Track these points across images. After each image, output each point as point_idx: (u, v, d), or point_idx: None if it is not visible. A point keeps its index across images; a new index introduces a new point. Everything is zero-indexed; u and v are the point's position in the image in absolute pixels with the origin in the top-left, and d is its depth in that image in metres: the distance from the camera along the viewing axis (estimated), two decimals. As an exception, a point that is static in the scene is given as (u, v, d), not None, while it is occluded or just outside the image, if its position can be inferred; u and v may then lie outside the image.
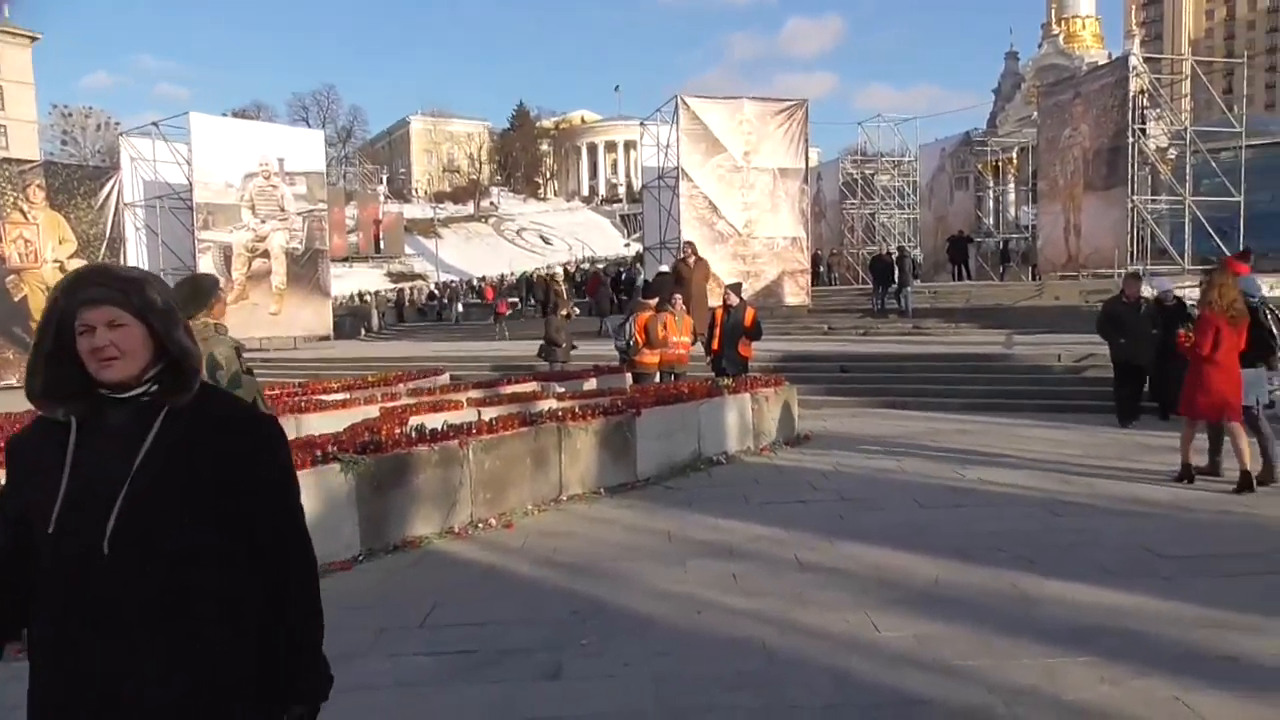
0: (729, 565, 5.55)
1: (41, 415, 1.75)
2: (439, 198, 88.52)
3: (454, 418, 8.05)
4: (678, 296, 11.75)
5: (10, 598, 1.73)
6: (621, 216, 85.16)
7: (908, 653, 4.11)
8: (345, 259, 61.18)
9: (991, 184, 39.45)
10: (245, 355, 4.89)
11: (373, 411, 8.71)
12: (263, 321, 23.51)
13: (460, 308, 38.17)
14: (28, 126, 66.66)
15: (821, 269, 32.63)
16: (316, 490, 5.69)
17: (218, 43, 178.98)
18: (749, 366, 11.35)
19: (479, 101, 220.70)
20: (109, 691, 1.64)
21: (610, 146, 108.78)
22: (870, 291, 24.12)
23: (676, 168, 22.41)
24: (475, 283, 51.69)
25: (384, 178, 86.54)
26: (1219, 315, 7.17)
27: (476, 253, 71.92)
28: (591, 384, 11.78)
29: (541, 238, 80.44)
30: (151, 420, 1.69)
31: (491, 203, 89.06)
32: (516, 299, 36.16)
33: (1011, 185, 41.19)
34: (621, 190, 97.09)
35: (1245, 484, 7.05)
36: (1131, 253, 22.28)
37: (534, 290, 33.34)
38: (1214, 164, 23.89)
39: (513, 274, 55.21)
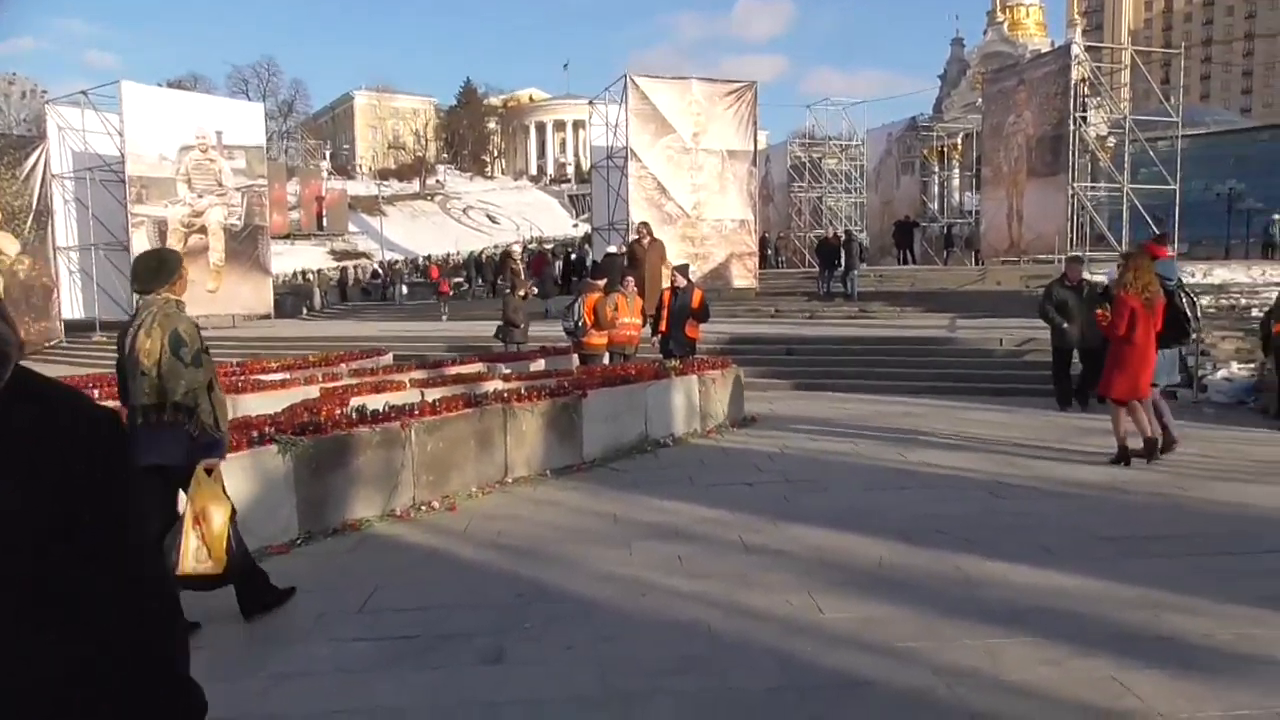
0: (675, 547, 5.52)
1: None
2: (384, 175, 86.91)
3: (397, 398, 7.91)
4: (630, 278, 11.66)
5: None
6: (570, 197, 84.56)
7: (851, 634, 4.12)
8: (287, 236, 59.80)
9: (937, 169, 39.94)
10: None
11: (313, 392, 8.52)
12: (200, 299, 22.84)
13: (404, 288, 37.22)
14: (-53, 94, 63.96)
15: (769, 252, 32.77)
16: (253, 472, 5.57)
17: (153, 9, 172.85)
18: (696, 348, 11.33)
19: (425, 78, 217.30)
20: None
21: (559, 125, 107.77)
22: (817, 274, 24.29)
23: (625, 148, 22.26)
24: (420, 262, 51.00)
25: (327, 154, 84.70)
26: (1134, 297, 7.38)
27: (422, 231, 70.86)
28: (539, 365, 11.69)
29: (489, 217, 79.53)
30: None
31: (438, 181, 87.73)
32: (461, 279, 35.56)
33: (956, 171, 41.73)
34: (570, 170, 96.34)
35: (1150, 450, 7.50)
36: (1071, 239, 22.72)
37: (483, 270, 32.78)
38: (1151, 153, 24.45)
39: (459, 253, 54.56)
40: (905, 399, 11.64)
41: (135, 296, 4.49)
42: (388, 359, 12.47)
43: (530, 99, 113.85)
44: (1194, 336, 8.58)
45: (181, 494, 4.36)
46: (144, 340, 4.24)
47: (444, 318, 25.80)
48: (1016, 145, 25.17)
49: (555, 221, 77.27)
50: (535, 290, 15.36)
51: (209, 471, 4.27)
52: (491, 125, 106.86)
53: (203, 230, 23.36)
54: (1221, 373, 11.10)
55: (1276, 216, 28.33)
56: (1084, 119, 24.47)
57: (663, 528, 5.99)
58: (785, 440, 9.07)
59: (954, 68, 55.01)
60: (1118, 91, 28.19)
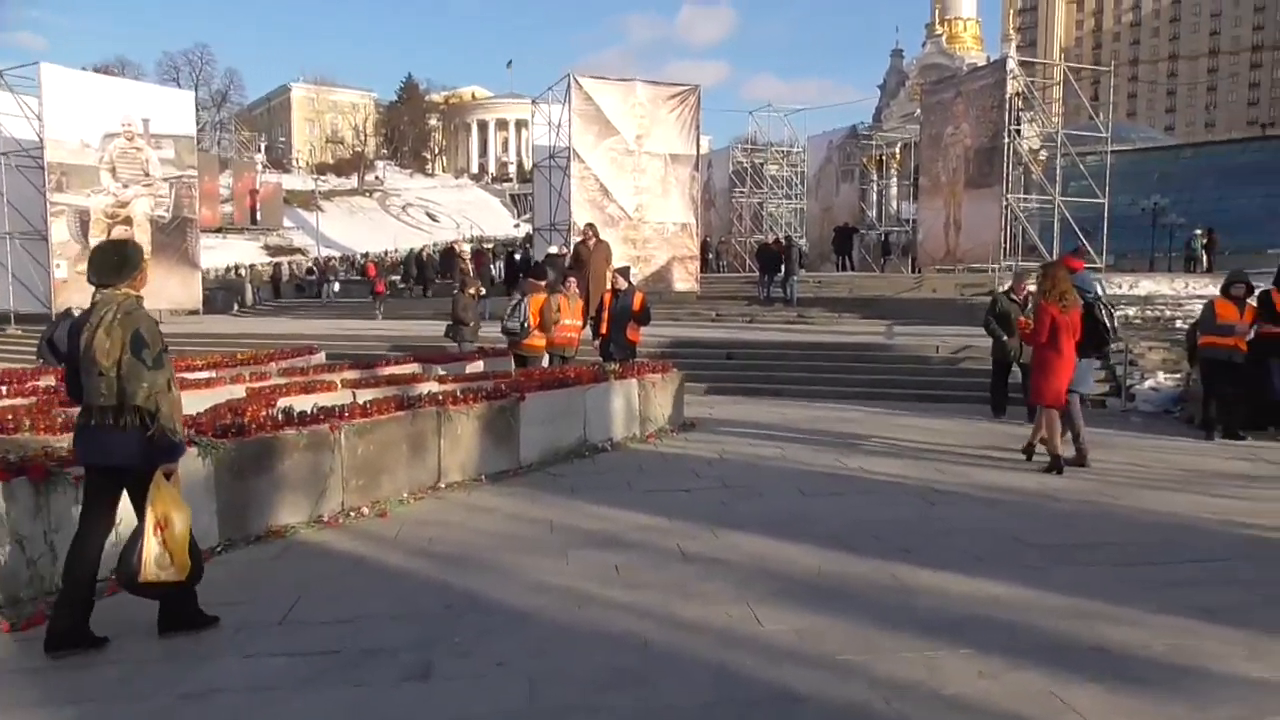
0: (611, 556, 5.40)
1: None
2: (321, 169, 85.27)
3: (327, 400, 7.66)
4: (571, 279, 11.51)
5: None
6: (512, 196, 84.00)
7: (789, 647, 4.04)
8: (218, 230, 58.31)
9: (875, 178, 40.53)
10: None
11: (239, 392, 8.22)
12: (124, 293, 22.07)
13: (336, 286, 35.96)
14: None
15: (710, 256, 32.88)
16: (169, 476, 5.28)
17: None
18: (637, 352, 11.24)
19: (365, 72, 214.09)
20: None
21: (501, 124, 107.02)
22: (757, 279, 24.41)
23: (568, 148, 22.11)
24: (358, 260, 50.05)
25: (262, 146, 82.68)
26: (1052, 305, 7.71)
27: (360, 228, 69.71)
28: (478, 366, 11.47)
29: (428, 214, 78.57)
30: None
31: (377, 177, 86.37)
32: (396, 277, 34.77)
33: (894, 179, 42.44)
34: (512, 169, 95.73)
35: (1027, 451, 8.10)
36: (1004, 249, 23.19)
37: (424, 268, 32.07)
38: (1081, 167, 25.09)
39: (397, 250, 53.75)
40: (843, 404, 11.69)
41: (92, 290, 4.24)
42: (319, 358, 12.15)
43: (473, 96, 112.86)
44: (1111, 347, 8.84)
45: (128, 497, 4.19)
46: (103, 339, 4.02)
47: (379, 315, 25.37)
48: (954, 156, 25.61)
49: (497, 221, 76.67)
50: (484, 290, 15.06)
51: (168, 476, 4.11)
52: (433, 122, 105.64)
53: (128, 221, 22.57)
54: (1149, 382, 11.38)
55: (1198, 231, 29.30)
56: (1018, 132, 25.01)
57: (600, 535, 5.87)
58: (724, 445, 9.02)
59: (893, 78, 56.07)
60: (1050, 106, 28.93)
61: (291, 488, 6.09)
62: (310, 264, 48.35)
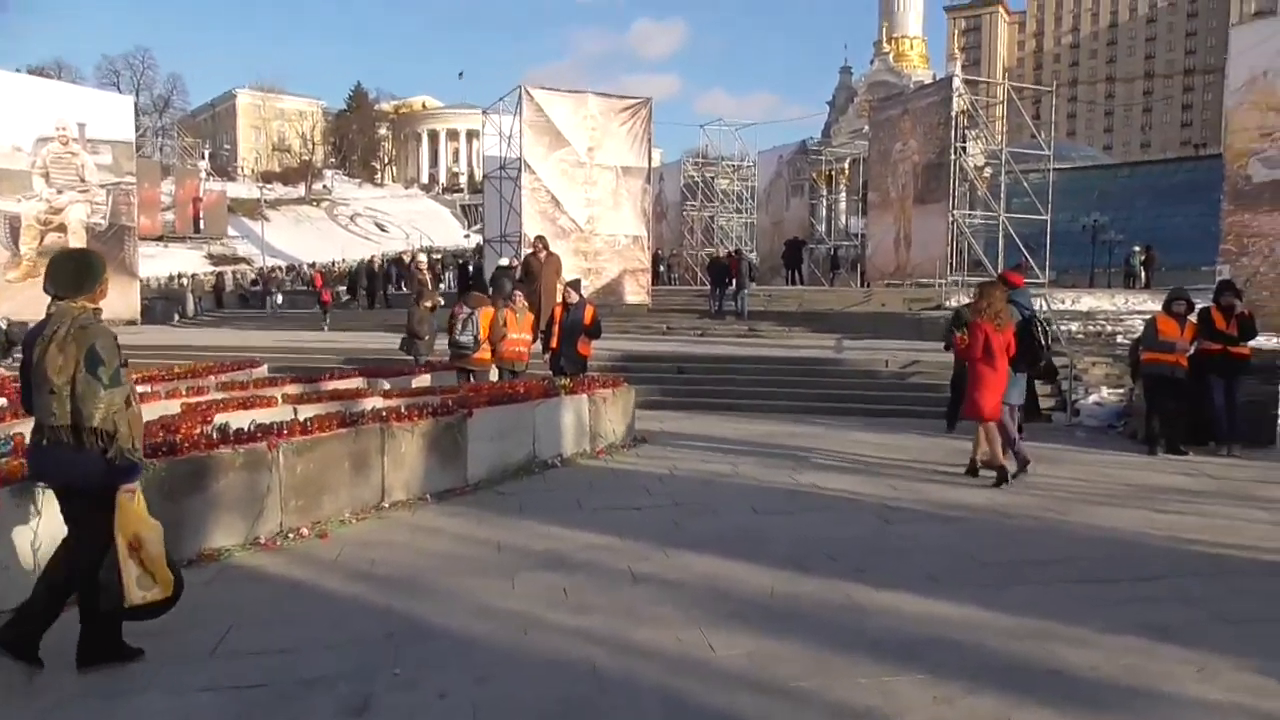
0: (560, 578, 5.26)
1: None
2: (267, 178, 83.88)
3: (266, 415, 7.41)
4: (518, 293, 11.35)
5: None
6: (462, 206, 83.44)
7: (741, 672, 3.94)
8: (160, 238, 56.99)
9: (825, 192, 40.97)
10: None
11: (174, 407, 7.92)
12: (57, 302, 21.36)
13: (279, 298, 34.54)
14: None
15: (662, 268, 32.90)
16: (94, 499, 5.03)
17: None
18: (588, 366, 11.12)
19: (313, 80, 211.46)
20: None
21: (452, 134, 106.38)
22: (708, 293, 24.43)
23: (519, 159, 21.94)
24: (305, 270, 49.13)
25: (206, 153, 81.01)
26: (987, 322, 7.90)
27: (306, 237, 68.63)
28: (425, 380, 11.23)
29: (377, 225, 77.68)
30: None
31: (324, 186, 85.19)
32: (343, 288, 33.97)
33: (843, 194, 42.94)
34: (463, 180, 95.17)
35: (971, 470, 8.06)
36: (951, 264, 23.51)
37: (375, 279, 31.43)
38: (1025, 184, 25.57)
39: (344, 261, 52.95)
40: (794, 418, 11.68)
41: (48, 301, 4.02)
42: (261, 371, 11.80)
43: (423, 106, 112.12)
44: (1049, 364, 8.99)
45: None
46: (55, 355, 3.81)
47: (325, 328, 24.87)
48: (903, 172, 25.95)
49: (447, 231, 76.07)
50: (441, 301, 14.79)
51: (130, 495, 3.94)
52: (382, 131, 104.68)
53: (61, 229, 21.86)
54: (1093, 398, 11.54)
55: (1137, 248, 30.06)
56: (964, 149, 25.44)
57: (548, 556, 5.72)
58: (675, 461, 8.92)
59: (842, 95, 56.83)
60: (994, 124, 29.47)
61: (226, 509, 5.85)
62: (255, 274, 47.34)
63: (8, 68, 25.21)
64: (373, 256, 48.04)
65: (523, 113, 21.81)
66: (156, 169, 58.37)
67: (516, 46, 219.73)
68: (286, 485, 6.20)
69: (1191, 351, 9.45)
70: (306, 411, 7.79)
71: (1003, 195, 25.33)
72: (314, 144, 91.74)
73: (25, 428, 4.78)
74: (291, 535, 6.10)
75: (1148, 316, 11.02)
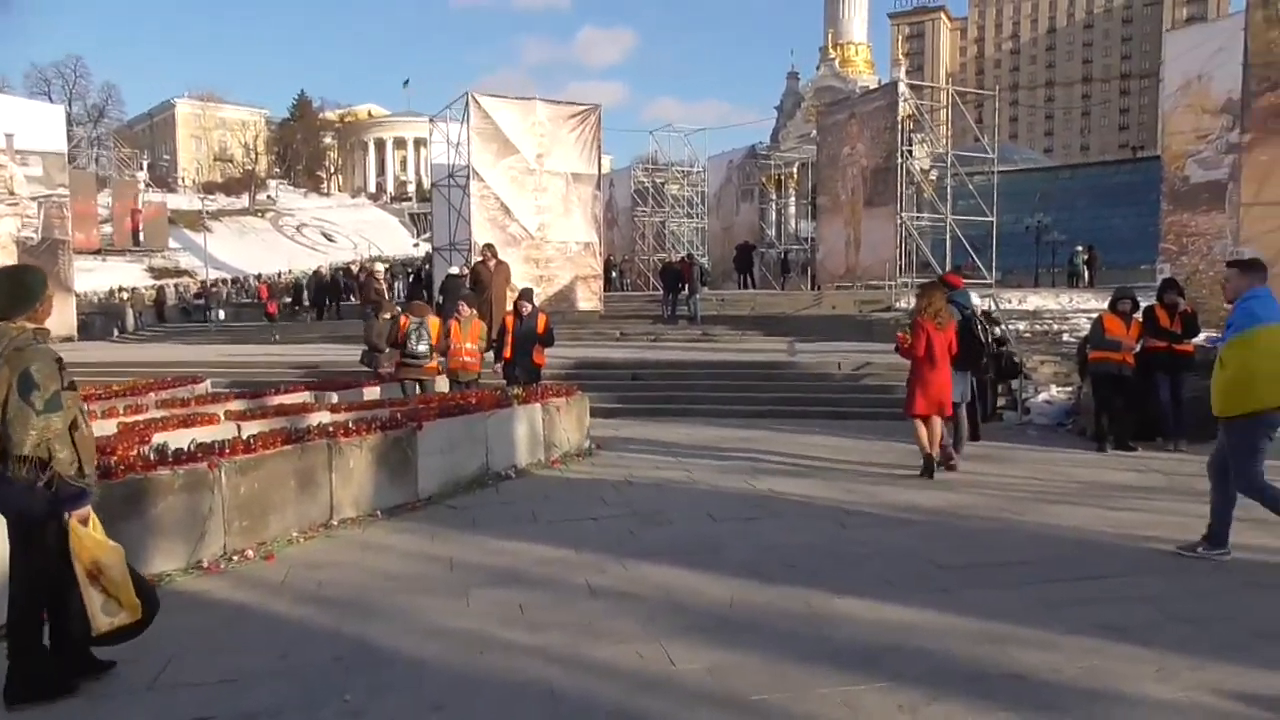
0: (515, 594, 5.13)
1: None
2: (209, 188, 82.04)
3: (208, 434, 7.17)
4: (463, 304, 11.19)
5: None
6: (411, 215, 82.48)
7: (703, 688, 3.85)
8: (98, 251, 55.48)
9: (774, 197, 41.21)
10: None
11: (110, 427, 7.61)
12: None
13: (221, 314, 33.13)
14: None
15: (614, 275, 32.81)
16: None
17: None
18: (541, 375, 11.00)
19: (255, 88, 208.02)
20: None
21: (399, 143, 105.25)
22: (661, 298, 24.41)
23: (467, 166, 21.72)
24: (250, 283, 48.12)
25: (144, 164, 79.09)
26: (928, 321, 8.16)
27: (251, 249, 67.28)
28: (375, 393, 11.02)
29: (324, 235, 76.46)
30: None
31: (269, 196, 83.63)
32: (289, 299, 33.15)
33: (793, 199, 43.22)
34: (411, 188, 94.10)
35: (928, 469, 8.10)
36: (900, 266, 23.75)
37: (324, 290, 30.82)
38: (970, 186, 25.94)
39: (290, 271, 52.02)
40: (749, 423, 11.65)
41: None
42: (204, 387, 11.49)
43: (369, 115, 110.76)
44: (1005, 363, 9.15)
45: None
46: None
47: (275, 338, 24.50)
48: (852, 175, 26.18)
49: (396, 240, 75.16)
50: (399, 310, 14.54)
51: (84, 522, 3.79)
52: (328, 140, 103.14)
53: (-9, 244, 21.13)
54: (1042, 396, 11.69)
55: (1080, 248, 30.65)
56: (910, 153, 25.75)
57: (503, 572, 5.59)
58: (631, 469, 8.83)
59: (790, 100, 57.25)
60: (939, 128, 29.91)
61: (166, 532, 5.63)
62: (197, 286, 46.23)
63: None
64: (319, 267, 47.31)
65: (470, 120, 21.60)
66: (92, 181, 56.76)
67: (462, 55, 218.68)
68: (229, 505, 5.99)
69: (1137, 349, 9.60)
70: (251, 428, 7.57)
71: (949, 197, 25.67)
72: (257, 154, 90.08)
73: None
74: (236, 557, 5.89)
75: (1093, 315, 11.21)
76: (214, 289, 40.32)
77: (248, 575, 5.65)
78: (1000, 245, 25.62)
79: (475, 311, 11.48)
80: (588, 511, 7.16)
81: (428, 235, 41.07)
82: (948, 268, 24.20)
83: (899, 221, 23.75)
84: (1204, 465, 5.76)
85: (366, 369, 12.41)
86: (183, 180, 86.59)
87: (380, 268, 33.24)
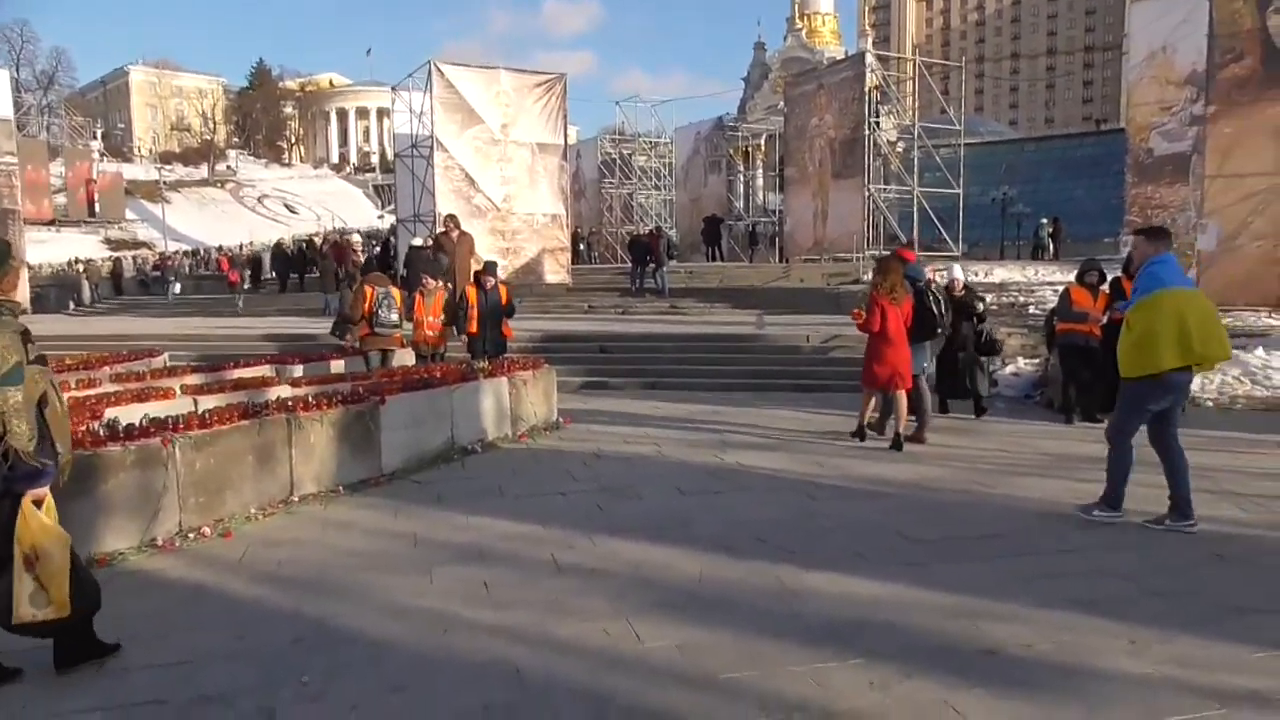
0: (480, 571, 5.02)
1: None
2: (166, 158, 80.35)
3: (164, 409, 6.95)
4: (428, 277, 11.00)
5: None
6: (375, 187, 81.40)
7: (671, 666, 3.78)
8: (51, 222, 54.15)
9: (742, 169, 41.05)
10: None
11: (60, 403, 7.37)
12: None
13: (178, 288, 31.41)
14: None
15: (581, 247, 32.55)
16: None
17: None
18: (508, 347, 10.85)
19: (211, 56, 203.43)
20: None
21: (362, 113, 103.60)
22: (629, 271, 24.24)
23: (431, 137, 21.33)
24: (212, 254, 47.11)
25: (98, 132, 77.14)
26: (883, 296, 8.31)
27: (211, 220, 66.10)
28: (339, 366, 10.82)
29: (286, 206, 75.32)
30: None
31: (229, 167, 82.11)
32: (249, 272, 32.28)
33: (760, 170, 43.08)
34: (375, 159, 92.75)
35: (896, 444, 8.20)
36: (868, 238, 23.76)
37: (287, 263, 30.14)
38: (937, 158, 25.97)
39: (252, 244, 51.07)
40: (718, 396, 11.58)
41: None
42: (160, 361, 11.21)
43: (331, 84, 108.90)
44: (941, 332, 9.19)
45: None
46: None
47: (239, 307, 24.13)
48: (820, 147, 26.09)
49: (360, 212, 74.19)
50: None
51: (38, 504, 3.63)
52: (288, 110, 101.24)
53: (-64, 214, 20.45)
54: (1010, 368, 11.72)
55: (1045, 221, 30.82)
56: (877, 124, 25.67)
57: (468, 549, 5.47)
58: (600, 443, 8.73)
59: (756, 71, 57.02)
60: (905, 100, 29.85)
61: (117, 510, 5.45)
62: (156, 258, 45.18)
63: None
64: (280, 239, 46.48)
65: (433, 89, 21.18)
66: (43, 149, 55.20)
67: (425, 24, 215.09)
68: (185, 482, 5.82)
69: (1104, 321, 9.62)
70: (208, 403, 7.39)
71: (915, 170, 25.68)
72: (215, 123, 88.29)
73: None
74: (192, 535, 5.73)
75: (1059, 288, 11.21)
76: (170, 261, 39.22)
77: (204, 553, 5.49)
78: (966, 217, 25.71)
79: (440, 284, 11.27)
80: (555, 486, 7.05)
81: (392, 207, 40.46)
82: (915, 240, 24.29)
83: (866, 194, 23.72)
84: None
85: (335, 341, 12.21)
86: (139, 150, 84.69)
87: (357, 238, 32.47)
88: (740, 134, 39.68)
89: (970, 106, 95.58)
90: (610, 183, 36.67)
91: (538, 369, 9.70)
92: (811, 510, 6.26)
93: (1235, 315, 14.42)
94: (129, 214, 62.85)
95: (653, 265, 22.29)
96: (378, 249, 29.36)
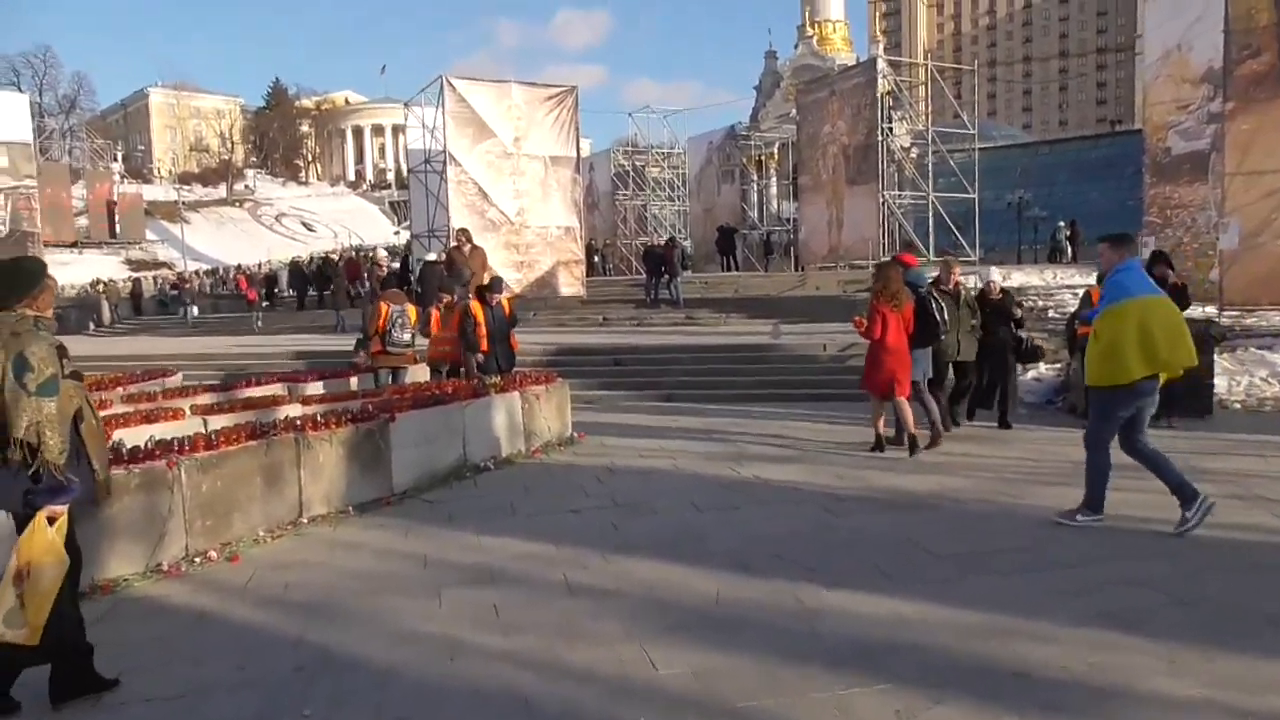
0: (490, 594, 4.89)
1: None
2: (185, 179, 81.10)
3: (172, 430, 6.88)
4: (443, 294, 10.93)
5: None
6: (391, 203, 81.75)
7: (687, 694, 3.62)
8: (74, 244, 54.66)
9: (755, 178, 40.88)
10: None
11: (67, 425, 7.31)
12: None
13: (195, 310, 30.46)
14: None
15: (596, 259, 32.50)
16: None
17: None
18: (516, 360, 10.76)
19: (229, 77, 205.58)
20: None
21: (377, 130, 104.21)
22: (644, 282, 24.12)
23: (444, 151, 21.33)
24: (230, 274, 47.32)
25: (119, 154, 77.90)
26: (884, 303, 8.22)
27: (230, 239, 66.57)
28: (353, 383, 10.76)
29: (304, 224, 75.76)
30: None
31: (246, 186, 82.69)
32: (263, 290, 32.25)
33: (774, 179, 42.88)
34: (390, 176, 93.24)
35: (911, 446, 8.14)
36: (883, 244, 23.55)
37: (304, 280, 30.23)
38: (951, 163, 25.73)
39: (270, 262, 51.32)
40: (734, 407, 11.43)
41: None
42: (175, 380, 11.16)
43: (346, 101, 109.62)
44: (943, 338, 8.98)
45: None
46: None
47: (258, 323, 24.21)
48: (833, 154, 25.93)
49: (376, 229, 74.48)
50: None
51: (52, 521, 3.57)
52: (305, 128, 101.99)
53: (-46, 238, 20.60)
54: (1031, 373, 11.50)
55: (1062, 223, 30.52)
56: (890, 130, 25.48)
57: (479, 570, 5.34)
58: (614, 457, 8.59)
59: (768, 79, 56.81)
60: (918, 105, 29.64)
61: (122, 534, 5.35)
62: (175, 278, 45.39)
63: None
64: (296, 257, 46.69)
65: (445, 104, 21.20)
66: (65, 172, 55.81)
67: (438, 40, 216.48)
68: (191, 505, 5.72)
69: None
70: (217, 423, 7.31)
71: (930, 175, 25.47)
72: (233, 143, 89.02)
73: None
74: (199, 559, 5.63)
75: (1078, 291, 11.00)
76: (187, 283, 39.23)
77: (210, 578, 5.38)
78: (982, 222, 25.45)
79: (455, 298, 11.19)
80: (569, 503, 6.91)
81: (408, 223, 40.51)
82: (931, 245, 24.07)
83: (881, 200, 23.54)
84: (1198, 442, 5.61)
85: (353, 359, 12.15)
86: (158, 171, 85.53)
87: (384, 254, 32.59)
88: (753, 143, 39.53)
89: (983, 111, 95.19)
90: (624, 194, 36.64)
91: (550, 383, 9.58)
92: (831, 524, 6.10)
93: (1260, 314, 14.16)
94: (149, 234, 63.39)
95: (667, 276, 22.19)
96: (397, 265, 29.44)
